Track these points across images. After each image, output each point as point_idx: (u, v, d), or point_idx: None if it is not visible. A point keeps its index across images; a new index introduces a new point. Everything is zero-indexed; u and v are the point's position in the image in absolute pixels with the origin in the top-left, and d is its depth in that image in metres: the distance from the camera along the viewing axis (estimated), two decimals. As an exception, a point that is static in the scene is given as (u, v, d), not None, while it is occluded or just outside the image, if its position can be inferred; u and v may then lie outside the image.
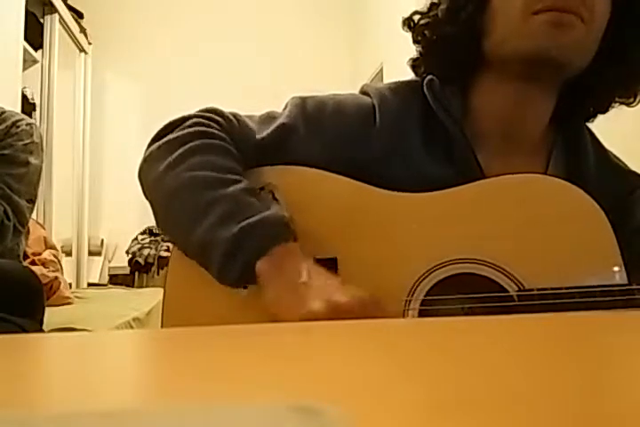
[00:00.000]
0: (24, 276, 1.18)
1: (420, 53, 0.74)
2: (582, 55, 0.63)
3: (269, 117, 0.69)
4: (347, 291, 0.53)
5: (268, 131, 0.67)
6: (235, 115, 0.69)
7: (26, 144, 1.29)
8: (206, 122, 0.66)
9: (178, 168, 0.61)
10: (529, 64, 0.63)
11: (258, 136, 0.67)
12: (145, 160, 0.66)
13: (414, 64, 0.75)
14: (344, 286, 0.55)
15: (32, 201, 1.30)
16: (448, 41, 0.69)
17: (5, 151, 1.25)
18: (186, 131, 0.64)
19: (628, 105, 0.72)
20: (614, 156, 0.74)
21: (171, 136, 0.64)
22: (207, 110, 0.68)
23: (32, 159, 1.29)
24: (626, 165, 0.73)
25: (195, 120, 0.66)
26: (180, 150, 0.62)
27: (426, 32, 0.71)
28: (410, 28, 0.73)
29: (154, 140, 0.66)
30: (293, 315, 0.52)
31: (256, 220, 0.56)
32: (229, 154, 0.64)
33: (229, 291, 0.59)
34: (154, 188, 0.64)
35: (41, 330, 1.22)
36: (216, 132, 0.65)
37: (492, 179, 0.63)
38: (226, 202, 0.58)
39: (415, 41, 0.73)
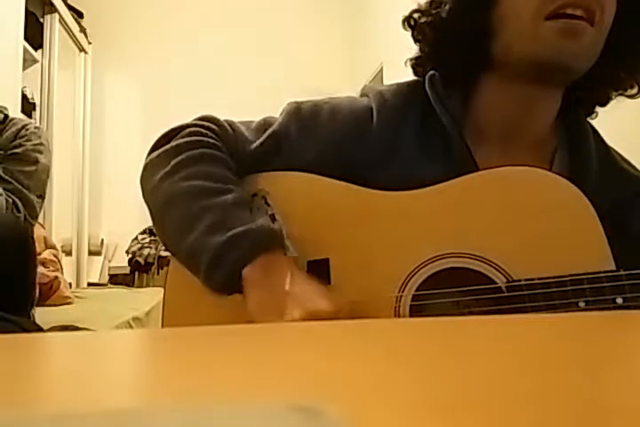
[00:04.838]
0: (12, 224, 1.22)
1: (421, 52, 0.73)
2: (592, 58, 0.62)
3: (265, 124, 0.70)
4: (330, 298, 0.54)
5: (262, 139, 0.68)
6: (230, 123, 0.70)
7: (35, 144, 1.40)
8: (202, 131, 0.67)
9: (174, 177, 0.62)
10: (540, 68, 0.62)
11: (252, 144, 0.68)
12: (144, 168, 0.67)
13: (415, 63, 0.75)
14: (329, 292, 0.56)
15: (42, 197, 1.41)
16: (452, 41, 0.68)
17: (17, 150, 1.37)
18: (182, 140, 0.66)
19: (631, 97, 0.71)
20: (622, 158, 0.73)
21: (168, 146, 0.66)
22: (203, 118, 0.69)
23: (41, 158, 1.40)
24: (636, 169, 0.72)
25: (191, 129, 0.67)
26: (175, 160, 0.64)
27: (427, 31, 0.70)
28: (410, 26, 0.73)
29: (153, 149, 0.68)
30: (273, 322, 0.52)
31: (243, 230, 0.57)
32: (224, 163, 0.65)
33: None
34: (151, 195, 0.65)
35: (40, 329, 1.24)
36: (212, 141, 0.66)
37: (478, 173, 0.63)
38: (216, 211, 0.59)
39: (416, 40, 0.73)
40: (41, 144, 1.42)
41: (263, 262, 0.56)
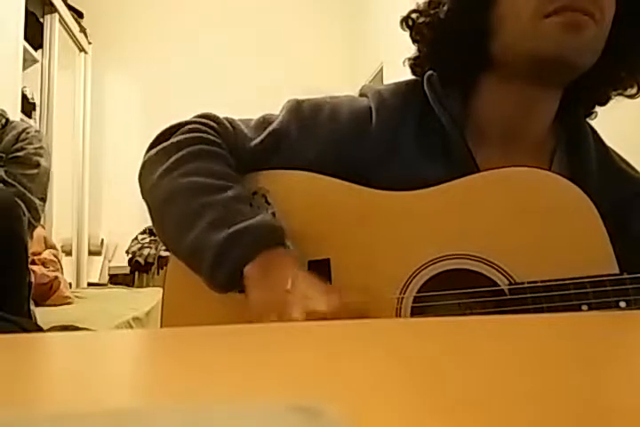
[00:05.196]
0: (5, 199, 1.23)
1: (419, 53, 0.73)
2: (594, 54, 0.62)
3: (264, 122, 0.70)
4: (329, 299, 0.53)
5: (261, 137, 0.68)
6: (230, 121, 0.70)
7: (36, 148, 1.44)
8: (202, 128, 0.67)
9: (173, 174, 0.62)
10: (541, 66, 0.62)
11: (251, 142, 0.68)
12: (143, 166, 0.67)
13: (413, 63, 0.75)
14: (330, 293, 0.55)
15: (43, 199, 1.44)
16: (450, 41, 0.68)
17: (19, 153, 1.40)
18: (182, 137, 0.65)
19: (630, 97, 0.71)
20: (620, 158, 0.73)
21: (167, 142, 0.66)
22: (203, 116, 0.69)
23: (42, 161, 1.43)
24: (634, 170, 0.72)
25: (191, 126, 0.67)
26: (175, 156, 0.63)
27: (426, 32, 0.70)
28: (408, 26, 0.72)
29: (151, 146, 0.68)
30: (273, 321, 0.52)
31: (244, 226, 0.57)
32: (224, 160, 0.65)
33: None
34: (150, 193, 0.65)
35: (40, 329, 1.24)
36: (211, 138, 0.66)
37: (481, 173, 0.63)
38: (216, 208, 0.59)
39: (414, 40, 0.73)
40: (41, 148, 1.44)
41: (263, 261, 0.56)
